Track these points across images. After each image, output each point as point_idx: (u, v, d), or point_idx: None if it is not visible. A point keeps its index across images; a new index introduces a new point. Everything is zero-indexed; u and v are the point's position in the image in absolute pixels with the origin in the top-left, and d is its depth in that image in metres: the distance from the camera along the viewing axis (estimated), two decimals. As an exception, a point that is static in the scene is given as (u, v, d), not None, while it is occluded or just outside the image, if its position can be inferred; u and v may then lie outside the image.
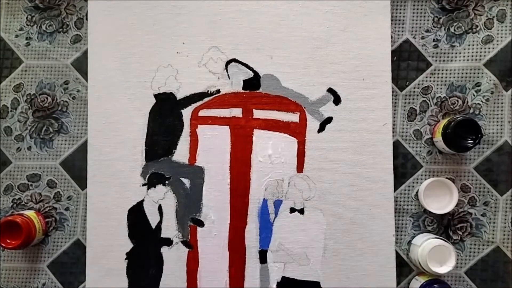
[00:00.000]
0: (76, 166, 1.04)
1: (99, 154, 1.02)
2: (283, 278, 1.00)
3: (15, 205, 1.03)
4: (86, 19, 1.05)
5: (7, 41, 1.05)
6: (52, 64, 1.05)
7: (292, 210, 1.00)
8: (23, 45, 1.05)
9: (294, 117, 1.01)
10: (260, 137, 1.01)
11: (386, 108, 1.01)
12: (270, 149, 1.01)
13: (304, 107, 1.01)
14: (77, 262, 1.02)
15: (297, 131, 1.01)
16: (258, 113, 1.01)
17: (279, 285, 1.00)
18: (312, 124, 1.01)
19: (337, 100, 1.01)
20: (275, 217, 1.00)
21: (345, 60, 1.02)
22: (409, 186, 1.02)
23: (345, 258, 0.99)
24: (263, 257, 1.00)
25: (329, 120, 1.01)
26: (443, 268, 0.95)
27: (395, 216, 1.01)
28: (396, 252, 1.01)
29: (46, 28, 1.05)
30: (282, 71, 1.02)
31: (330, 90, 1.01)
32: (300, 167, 1.01)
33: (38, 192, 1.04)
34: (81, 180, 1.03)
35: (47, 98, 1.05)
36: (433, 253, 0.94)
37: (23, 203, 1.03)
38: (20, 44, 1.05)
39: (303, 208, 1.00)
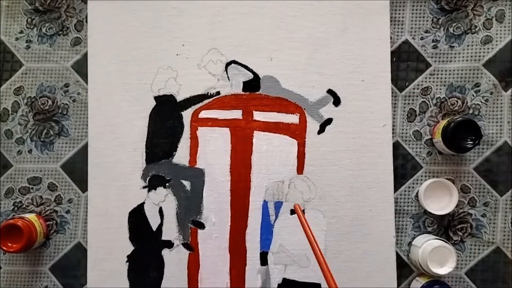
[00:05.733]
0: (77, 169, 1.04)
1: (99, 156, 1.02)
2: (284, 280, 1.00)
3: (16, 208, 1.03)
4: (86, 21, 1.05)
5: (7, 44, 1.05)
6: (53, 67, 1.05)
7: (293, 211, 1.00)
8: (23, 48, 1.05)
9: (294, 119, 1.01)
10: (260, 138, 1.01)
11: (385, 109, 1.01)
12: (270, 151, 1.01)
13: (304, 109, 1.01)
14: (79, 264, 1.02)
15: (297, 132, 1.01)
16: (258, 115, 1.01)
17: (280, 287, 1.00)
18: (312, 126, 1.01)
19: (336, 101, 1.01)
20: (275, 219, 1.00)
21: (344, 61, 1.01)
22: (409, 187, 1.02)
23: (346, 260, 0.99)
24: (263, 259, 1.00)
25: (329, 121, 1.01)
26: (444, 269, 0.95)
27: (395, 217, 1.01)
28: (397, 253, 1.01)
29: (46, 30, 1.06)
30: (282, 73, 1.02)
31: (330, 91, 1.01)
32: (300, 169, 1.01)
33: (39, 195, 1.04)
34: (82, 183, 1.03)
35: (47, 101, 1.05)
36: (434, 254, 0.94)
37: (24, 206, 1.03)
38: (20, 47, 1.05)
39: (304, 209, 1.00)
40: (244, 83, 1.02)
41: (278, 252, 1.00)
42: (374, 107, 1.01)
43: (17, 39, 1.06)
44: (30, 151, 1.04)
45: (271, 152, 1.01)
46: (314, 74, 1.01)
